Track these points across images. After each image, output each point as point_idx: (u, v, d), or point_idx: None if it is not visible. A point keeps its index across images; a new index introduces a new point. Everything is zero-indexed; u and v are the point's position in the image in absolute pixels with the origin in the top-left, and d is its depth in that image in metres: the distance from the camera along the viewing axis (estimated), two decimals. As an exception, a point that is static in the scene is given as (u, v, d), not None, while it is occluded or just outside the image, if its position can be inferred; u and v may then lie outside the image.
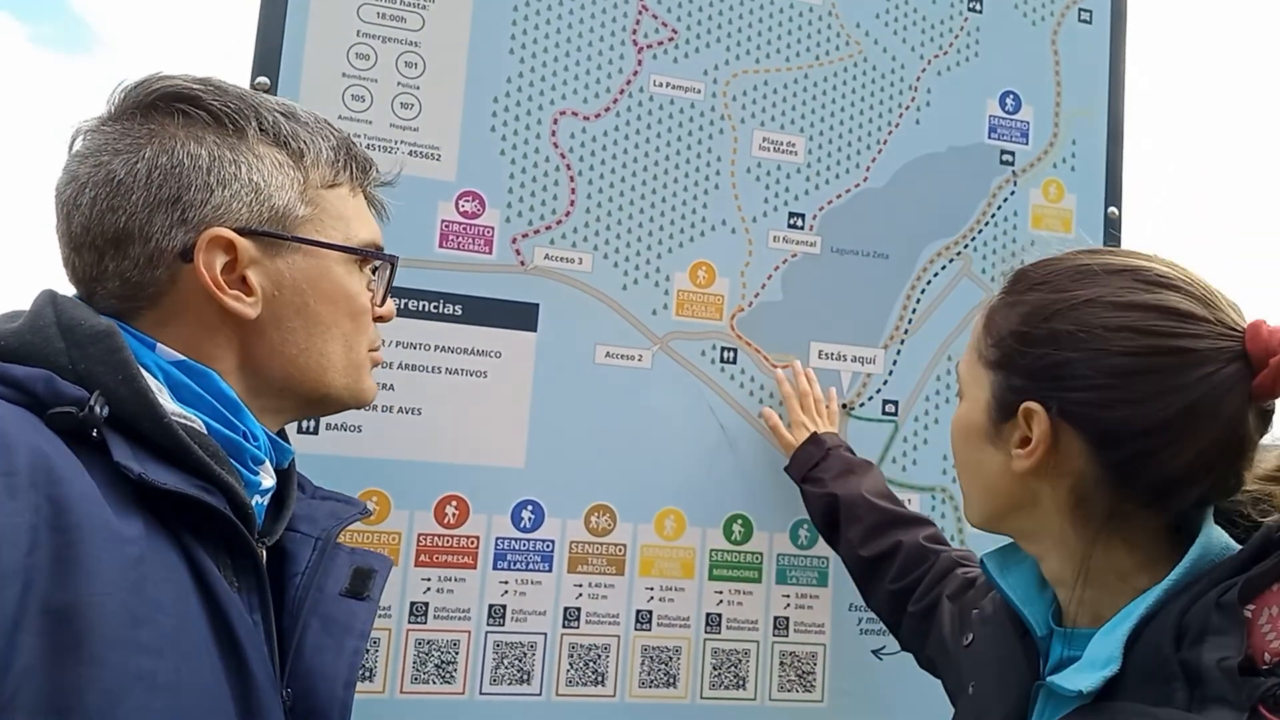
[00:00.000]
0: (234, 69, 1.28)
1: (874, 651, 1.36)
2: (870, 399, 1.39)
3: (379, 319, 0.82)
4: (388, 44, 1.28)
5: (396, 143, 1.27)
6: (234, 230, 0.70)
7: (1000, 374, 0.75)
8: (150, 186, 0.68)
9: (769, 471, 1.34)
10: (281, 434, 0.81)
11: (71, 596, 0.54)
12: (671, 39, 1.37)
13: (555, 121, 1.32)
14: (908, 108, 1.43)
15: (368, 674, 1.19)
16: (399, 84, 1.28)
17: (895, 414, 1.39)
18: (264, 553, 0.74)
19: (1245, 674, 0.60)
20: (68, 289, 0.72)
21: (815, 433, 1.28)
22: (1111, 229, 1.48)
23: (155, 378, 0.67)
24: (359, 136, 1.25)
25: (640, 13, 1.36)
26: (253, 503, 0.70)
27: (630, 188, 1.33)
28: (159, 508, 0.62)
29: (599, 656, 1.26)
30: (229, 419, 0.70)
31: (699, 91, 1.37)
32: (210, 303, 0.69)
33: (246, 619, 0.65)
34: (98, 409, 0.60)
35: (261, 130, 0.72)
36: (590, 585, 1.27)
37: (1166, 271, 0.71)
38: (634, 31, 1.35)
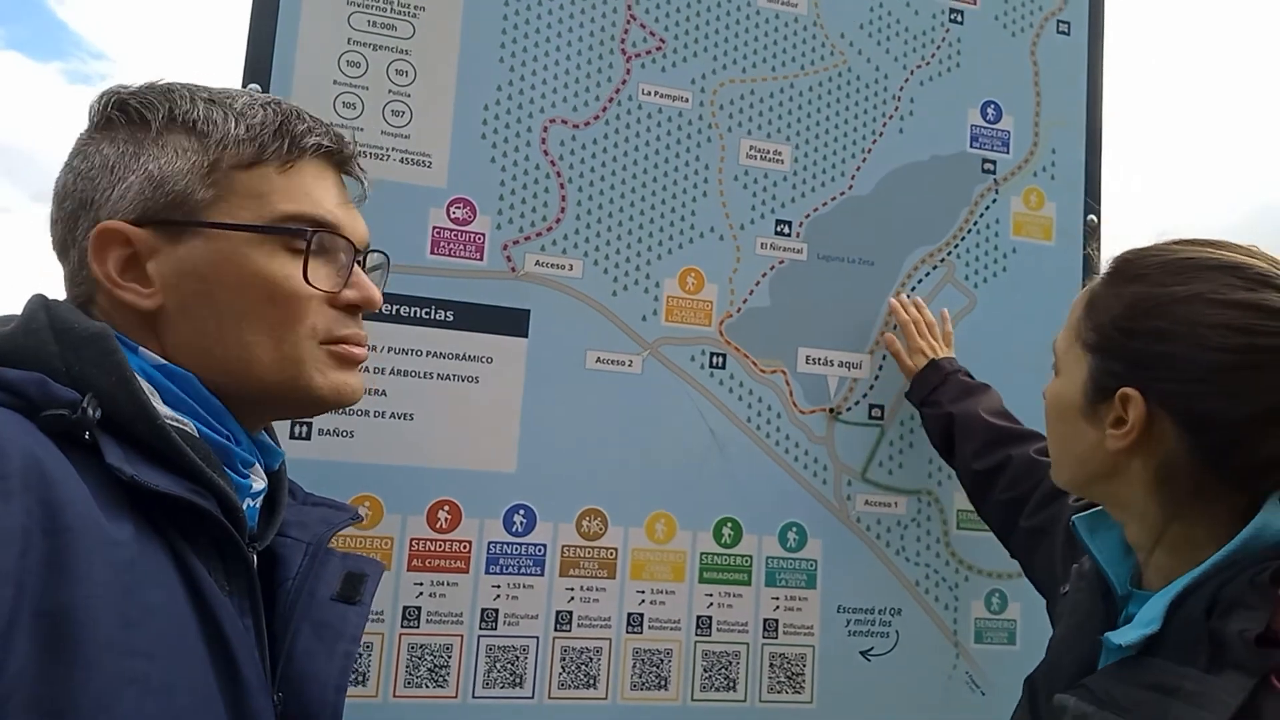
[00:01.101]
0: (226, 77, 1.29)
1: (862, 653, 1.37)
2: (857, 403, 1.41)
3: (349, 305, 0.75)
4: (379, 52, 1.29)
5: (388, 150, 1.28)
6: (131, 222, 0.69)
7: (1099, 358, 0.80)
8: (73, 194, 0.71)
9: (758, 475, 1.35)
10: (271, 436, 0.81)
11: (64, 600, 0.54)
12: (660, 48, 1.38)
13: (545, 129, 1.33)
14: (891, 117, 1.46)
15: (361, 678, 1.19)
16: (390, 91, 1.29)
17: (881, 418, 1.41)
18: (255, 557, 0.73)
19: (1263, 645, 0.65)
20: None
21: (934, 359, 1.36)
22: (1091, 236, 1.51)
23: (149, 382, 0.67)
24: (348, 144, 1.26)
25: (629, 22, 1.37)
26: (244, 506, 0.70)
27: (620, 195, 1.35)
28: (151, 511, 0.62)
29: (591, 659, 1.27)
30: (213, 422, 0.70)
31: (687, 100, 1.39)
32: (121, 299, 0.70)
33: (238, 622, 0.65)
34: (90, 411, 0.60)
35: (171, 119, 0.71)
36: (582, 589, 1.28)
37: (1266, 269, 0.74)
38: (623, 41, 1.37)
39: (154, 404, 0.64)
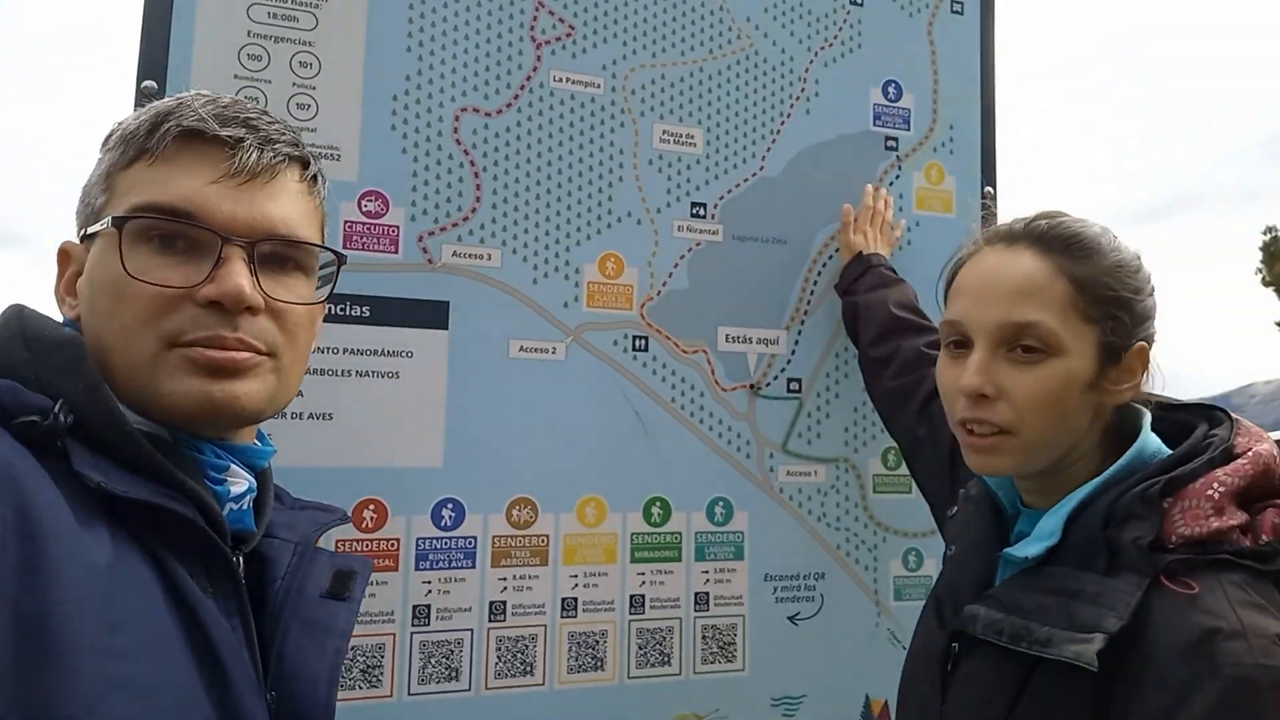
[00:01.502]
0: (120, 72, 1.23)
1: (790, 618, 1.42)
2: (776, 378, 1.45)
3: (212, 302, 0.67)
4: (280, 44, 1.25)
5: (295, 144, 1.25)
6: (77, 240, 0.72)
7: (1105, 325, 0.84)
8: None
9: (684, 453, 1.38)
10: (259, 437, 0.80)
11: (41, 604, 0.54)
12: (569, 35, 1.38)
13: (457, 119, 1.32)
14: (798, 98, 1.49)
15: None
16: (294, 84, 1.26)
17: (799, 391, 1.46)
18: (241, 560, 0.73)
19: (1154, 550, 0.76)
20: None
21: (861, 252, 1.42)
22: (987, 207, 1.58)
23: None
24: (255, 138, 1.22)
25: (537, 9, 1.37)
26: (226, 509, 0.70)
27: (536, 182, 1.35)
28: (127, 516, 0.62)
29: (527, 647, 1.28)
30: (177, 432, 0.69)
31: (599, 86, 1.39)
32: None
33: (222, 624, 0.65)
34: (61, 417, 0.60)
35: (111, 135, 0.72)
36: (515, 578, 1.29)
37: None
38: (531, 28, 1.37)
39: (124, 410, 0.64)
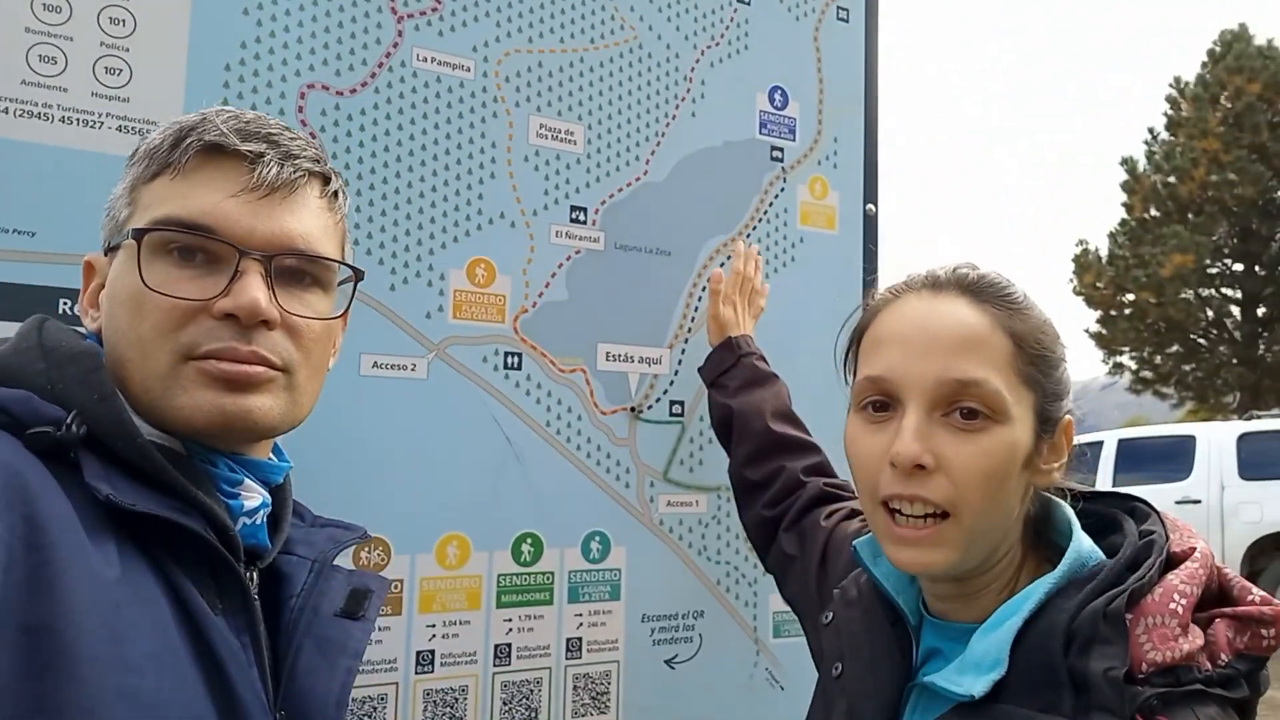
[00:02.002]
0: None
1: (666, 661, 1.32)
2: (658, 400, 1.34)
3: (228, 315, 0.68)
4: (82, -9, 1.03)
5: (101, 116, 1.03)
6: (101, 253, 0.74)
7: (1038, 390, 0.74)
8: None
9: (558, 484, 1.25)
10: (275, 452, 0.80)
11: (47, 615, 0.54)
12: (435, 9, 1.22)
13: (302, 95, 1.13)
14: (683, 99, 1.39)
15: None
16: (102, 44, 1.04)
17: (682, 415, 1.36)
18: (255, 575, 0.73)
19: (1128, 683, 0.63)
20: None
21: (730, 337, 1.28)
22: (869, 226, 1.54)
23: None
24: (48, 107, 1.00)
25: (398, -24, 1.20)
26: (239, 524, 0.70)
27: (395, 174, 1.18)
28: (137, 529, 0.62)
29: (375, 709, 1.11)
30: (191, 445, 0.69)
31: (468, 70, 1.24)
32: None
33: (230, 641, 0.65)
34: (74, 428, 0.61)
35: (137, 150, 0.74)
36: (364, 629, 1.11)
37: None
38: (392, -3, 1.20)
39: (136, 422, 0.64)
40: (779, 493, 1.15)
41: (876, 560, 0.84)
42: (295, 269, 0.73)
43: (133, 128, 1.04)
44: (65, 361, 0.64)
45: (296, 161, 0.73)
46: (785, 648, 1.40)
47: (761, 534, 1.17)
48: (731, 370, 1.26)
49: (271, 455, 0.78)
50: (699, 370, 1.32)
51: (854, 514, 1.06)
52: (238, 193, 0.69)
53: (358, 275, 0.80)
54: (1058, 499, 0.78)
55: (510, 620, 1.21)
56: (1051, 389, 0.75)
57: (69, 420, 0.61)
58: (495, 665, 1.19)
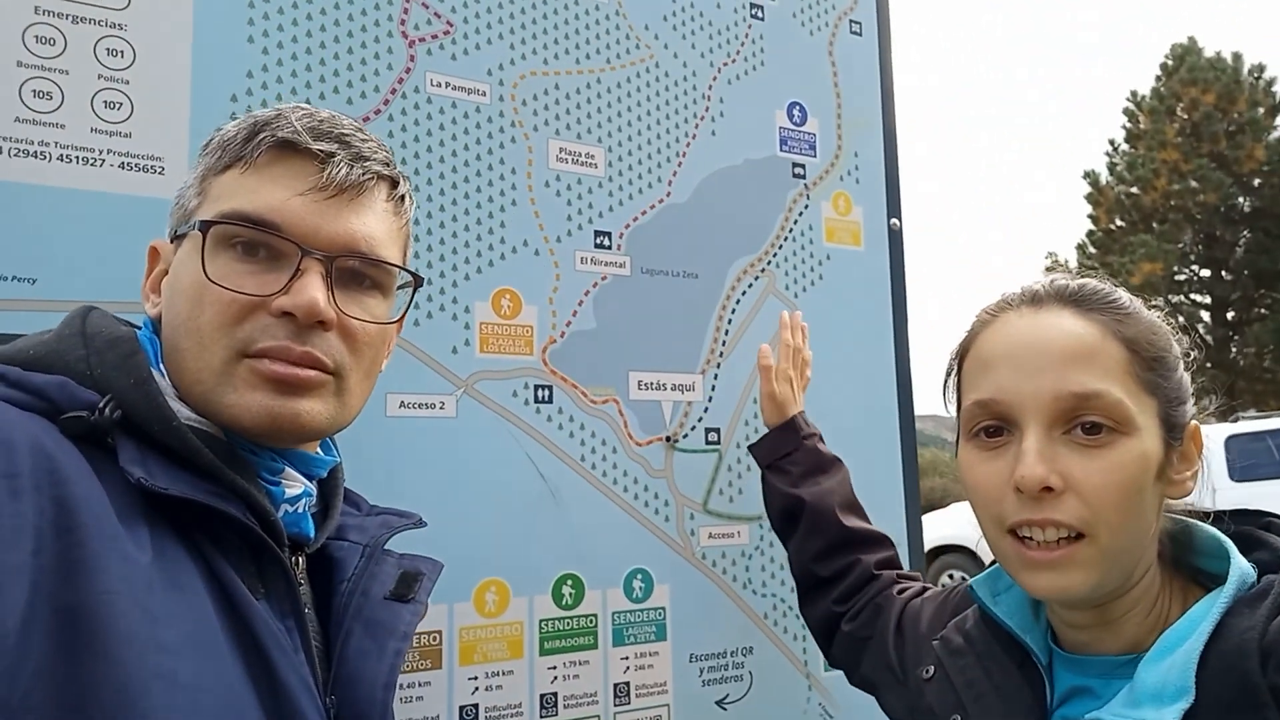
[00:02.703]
0: None
1: (718, 702, 1.25)
2: (693, 428, 1.28)
3: (285, 313, 0.67)
4: (81, 25, 0.97)
5: (102, 153, 0.97)
6: (168, 239, 0.74)
7: (1160, 396, 0.70)
8: None
9: (596, 520, 1.19)
10: (322, 446, 0.79)
11: (80, 596, 0.53)
12: (447, 32, 1.18)
13: (316, 126, 1.08)
14: (703, 118, 1.35)
15: None
16: (100, 77, 0.98)
17: (718, 442, 1.30)
18: (302, 561, 0.74)
19: None
20: None
21: (792, 417, 1.19)
22: (894, 241, 1.50)
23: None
24: (45, 145, 0.94)
25: (408, 0, 1.15)
26: (281, 511, 0.69)
27: (415, 205, 1.12)
28: (175, 514, 0.62)
29: (419, 771, 1.04)
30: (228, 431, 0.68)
31: (484, 94, 1.19)
32: None
33: (273, 626, 0.64)
34: (108, 413, 0.61)
35: (211, 140, 0.73)
36: (401, 687, 1.04)
37: None
38: (402, 22, 1.15)
39: (173, 405, 0.64)
40: (850, 588, 1.08)
41: (996, 599, 0.80)
42: (356, 271, 0.72)
43: (136, 164, 0.99)
44: (104, 347, 0.65)
45: (366, 163, 0.72)
46: (837, 681, 1.33)
47: (826, 627, 1.10)
48: (794, 455, 1.17)
49: (318, 449, 0.77)
50: (751, 450, 1.22)
51: (924, 590, 1.01)
52: (305, 191, 0.69)
53: (418, 281, 0.80)
54: (1194, 520, 0.74)
55: (555, 668, 1.14)
56: (1173, 393, 0.71)
57: (103, 404, 0.61)
58: (542, 716, 1.12)
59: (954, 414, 0.79)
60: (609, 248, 1.25)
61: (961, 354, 0.79)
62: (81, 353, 0.64)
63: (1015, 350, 0.71)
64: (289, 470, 0.72)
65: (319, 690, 0.67)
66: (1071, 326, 0.70)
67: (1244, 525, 0.74)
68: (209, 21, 1.04)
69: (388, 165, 0.76)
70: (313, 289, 0.67)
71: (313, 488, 0.75)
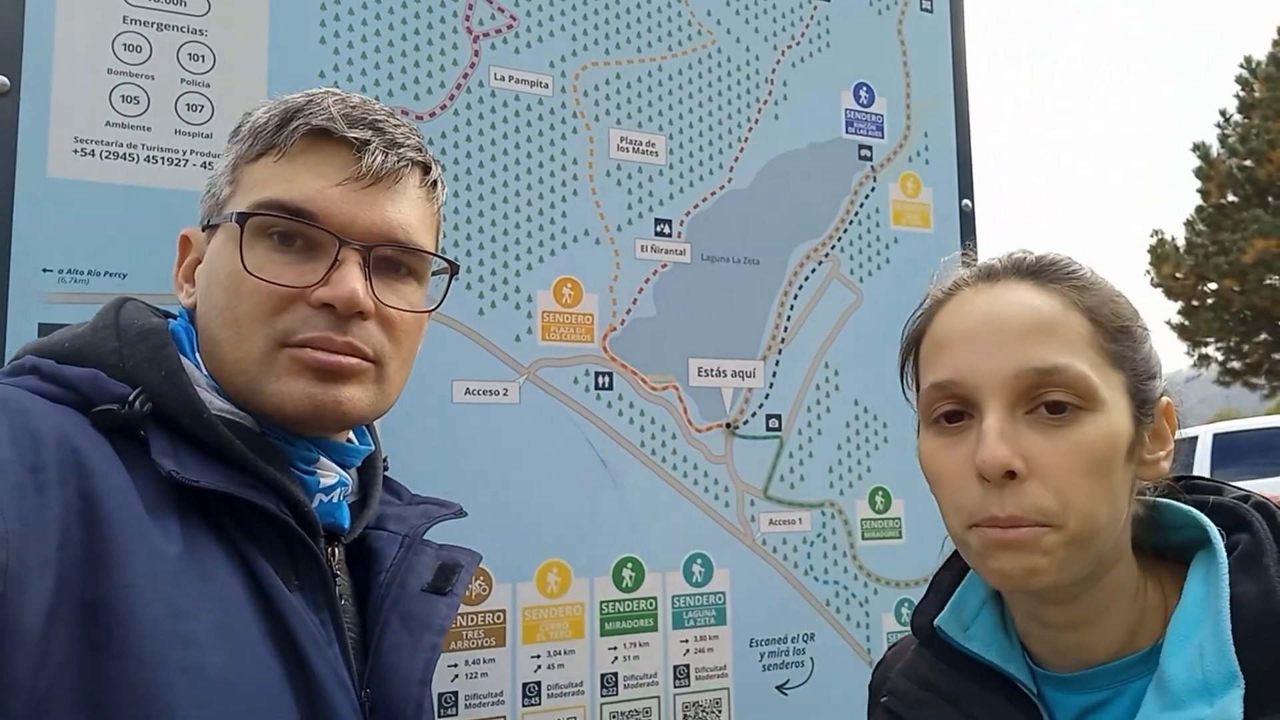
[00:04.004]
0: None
1: (778, 687, 1.26)
2: (754, 415, 1.29)
3: (325, 304, 0.67)
4: (165, 32, 1.03)
5: (185, 154, 1.03)
6: (200, 228, 0.74)
7: (1127, 369, 0.66)
8: None
9: (656, 505, 1.20)
10: (372, 435, 0.81)
11: (104, 589, 0.54)
12: (510, 26, 1.20)
13: (384, 122, 1.11)
14: (765, 102, 1.35)
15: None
16: (183, 81, 1.03)
17: (779, 429, 1.30)
18: (339, 552, 0.74)
19: None
20: None
21: None
22: (966, 222, 1.47)
23: (210, 377, 0.68)
24: (133, 147, 1.00)
25: (473, -4, 1.18)
26: (316, 501, 0.69)
27: (479, 197, 1.15)
28: (207, 506, 0.62)
29: (484, 744, 1.08)
30: (262, 421, 0.68)
31: (546, 86, 1.21)
32: None
33: (306, 618, 0.63)
34: (139, 405, 0.61)
35: (238, 127, 0.73)
36: (467, 664, 1.08)
37: None
38: (467, 18, 1.18)
39: (204, 397, 0.64)
40: None
41: (968, 634, 0.74)
42: (392, 260, 0.73)
43: (214, 164, 1.04)
44: (136, 339, 0.65)
45: (400, 150, 0.72)
46: (900, 670, 1.32)
47: None
48: None
49: (353, 438, 0.78)
50: None
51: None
52: (341, 180, 0.69)
53: (453, 268, 0.80)
54: (1160, 499, 0.71)
55: (615, 648, 1.17)
56: (1142, 367, 0.67)
57: (133, 397, 0.61)
58: (603, 696, 1.15)
59: (913, 402, 0.75)
60: (669, 235, 1.26)
61: (917, 336, 0.75)
62: (114, 345, 0.65)
63: (972, 328, 0.67)
64: (323, 460, 0.72)
65: (354, 684, 0.67)
66: (1030, 299, 0.67)
67: (1182, 489, 0.71)
68: (284, 25, 1.08)
69: (420, 151, 0.75)
70: (352, 280, 0.67)
71: (348, 477, 0.75)
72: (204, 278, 0.71)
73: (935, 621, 0.75)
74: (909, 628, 0.82)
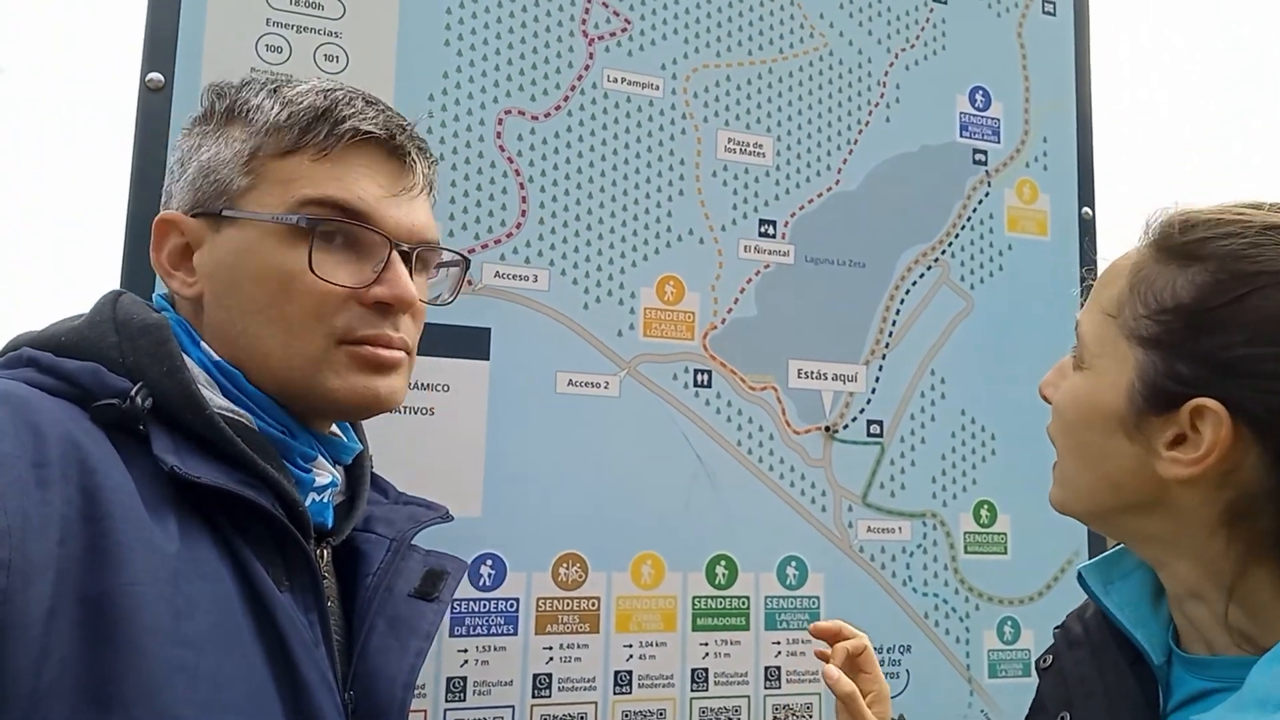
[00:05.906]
0: (124, 65, 1.09)
1: (871, 696, 1.24)
2: (854, 420, 1.27)
3: (378, 303, 0.71)
4: (303, 34, 1.10)
5: (317, 147, 1.09)
6: (184, 213, 0.71)
7: (1158, 356, 0.61)
8: (165, 188, 0.75)
9: (751, 504, 1.21)
10: (358, 434, 0.82)
11: (106, 586, 0.54)
12: (625, 30, 1.23)
13: (500, 122, 1.16)
14: (877, 104, 1.34)
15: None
16: (318, 79, 1.10)
17: (881, 435, 1.28)
18: (327, 553, 0.75)
19: None
20: None
21: None
22: (1086, 232, 1.42)
23: (209, 373, 0.68)
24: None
25: (589, 1, 1.22)
26: (308, 500, 0.70)
27: (588, 195, 1.19)
28: (204, 503, 0.62)
29: (574, 728, 1.10)
30: (266, 417, 0.69)
31: (657, 88, 1.24)
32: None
33: (295, 620, 0.63)
34: (140, 401, 0.61)
35: (231, 110, 0.72)
36: (561, 647, 1.11)
37: None
38: (583, 22, 1.22)
39: (205, 394, 0.64)
40: None
41: (1108, 589, 0.73)
42: (421, 258, 0.77)
43: (348, 160, 1.10)
44: (136, 334, 0.64)
45: (426, 156, 0.77)
46: (1002, 689, 1.28)
47: None
48: None
49: (340, 434, 0.79)
50: None
51: None
52: (397, 192, 0.73)
53: (466, 263, 0.86)
54: None
55: (706, 644, 1.17)
56: (1180, 358, 0.60)
57: (134, 392, 0.61)
58: (693, 690, 1.16)
59: None
60: (773, 236, 1.26)
61: None
62: (114, 339, 0.64)
63: None
64: (320, 459, 0.73)
65: (338, 685, 0.67)
66: (1116, 262, 0.69)
67: None
68: (411, 27, 1.14)
69: (426, 151, 0.79)
70: (406, 280, 0.71)
71: (339, 477, 0.76)
72: (221, 269, 0.69)
73: (1080, 568, 0.76)
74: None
